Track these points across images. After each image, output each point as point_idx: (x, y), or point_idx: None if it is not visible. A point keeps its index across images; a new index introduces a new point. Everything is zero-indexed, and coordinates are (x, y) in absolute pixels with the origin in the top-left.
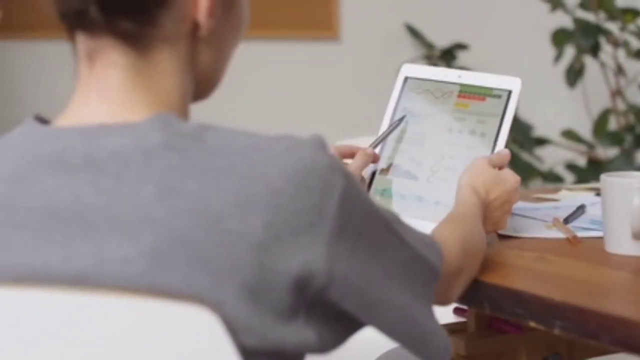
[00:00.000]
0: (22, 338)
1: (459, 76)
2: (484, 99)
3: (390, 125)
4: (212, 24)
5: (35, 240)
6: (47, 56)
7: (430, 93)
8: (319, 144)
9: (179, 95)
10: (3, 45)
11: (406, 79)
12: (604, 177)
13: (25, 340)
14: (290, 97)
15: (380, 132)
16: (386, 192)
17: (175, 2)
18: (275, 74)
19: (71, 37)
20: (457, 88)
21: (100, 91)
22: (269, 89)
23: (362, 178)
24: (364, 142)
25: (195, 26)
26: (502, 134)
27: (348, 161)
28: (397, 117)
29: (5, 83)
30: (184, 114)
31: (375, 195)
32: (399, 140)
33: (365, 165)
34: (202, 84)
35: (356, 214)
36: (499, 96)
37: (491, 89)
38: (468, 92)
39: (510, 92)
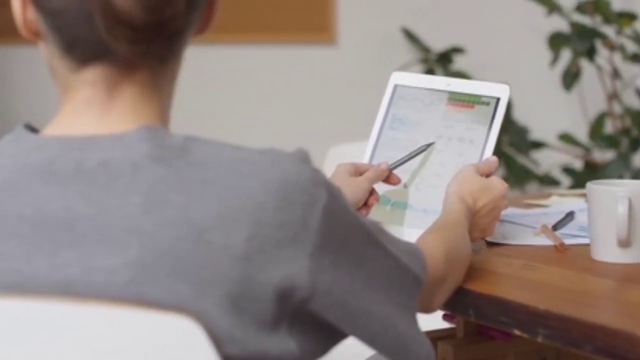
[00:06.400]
0: (7, 347)
1: (448, 84)
2: (472, 107)
3: (416, 150)
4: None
5: (25, 248)
6: (40, 62)
7: (419, 101)
8: (303, 157)
9: (170, 103)
10: None
11: (396, 86)
12: (589, 185)
13: (11, 349)
14: (286, 101)
15: (370, 140)
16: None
17: (197, 18)
18: (271, 78)
19: (80, 65)
20: (446, 96)
21: (104, 105)
22: (265, 93)
23: (373, 191)
24: (359, 147)
25: None
26: (490, 142)
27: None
28: (387, 125)
29: None
30: (168, 120)
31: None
32: (389, 147)
33: (376, 179)
34: None
35: (339, 227)
36: (488, 103)
37: (479, 96)
38: (457, 100)
39: (498, 99)
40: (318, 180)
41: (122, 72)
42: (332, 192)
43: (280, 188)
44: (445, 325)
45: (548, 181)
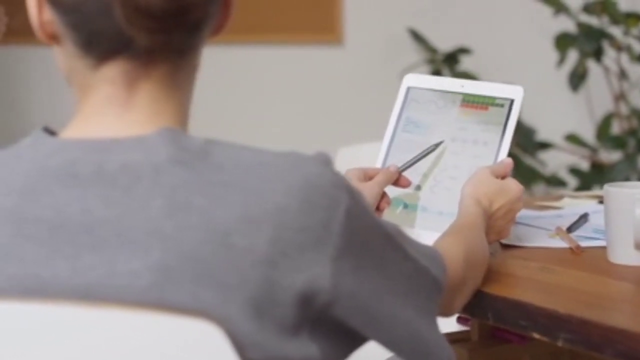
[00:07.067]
0: (28, 352)
1: (462, 85)
2: (486, 108)
3: (425, 150)
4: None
5: (45, 252)
6: (53, 62)
7: (433, 103)
8: (324, 160)
9: (189, 100)
10: (9, 50)
11: (409, 89)
12: (607, 187)
13: (31, 354)
14: (292, 101)
15: (384, 143)
16: (391, 203)
17: (215, 13)
18: (278, 79)
19: (99, 62)
20: (460, 97)
21: (124, 102)
22: (271, 93)
23: (385, 195)
24: (368, 148)
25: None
26: (505, 143)
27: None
28: (400, 127)
29: (10, 88)
30: (188, 117)
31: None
32: (402, 150)
33: (386, 182)
34: None
35: (361, 230)
36: (502, 105)
37: (494, 98)
38: (471, 102)
39: (512, 100)
40: (339, 183)
41: (142, 67)
42: (353, 195)
43: (302, 191)
44: (460, 328)
45: (555, 182)
